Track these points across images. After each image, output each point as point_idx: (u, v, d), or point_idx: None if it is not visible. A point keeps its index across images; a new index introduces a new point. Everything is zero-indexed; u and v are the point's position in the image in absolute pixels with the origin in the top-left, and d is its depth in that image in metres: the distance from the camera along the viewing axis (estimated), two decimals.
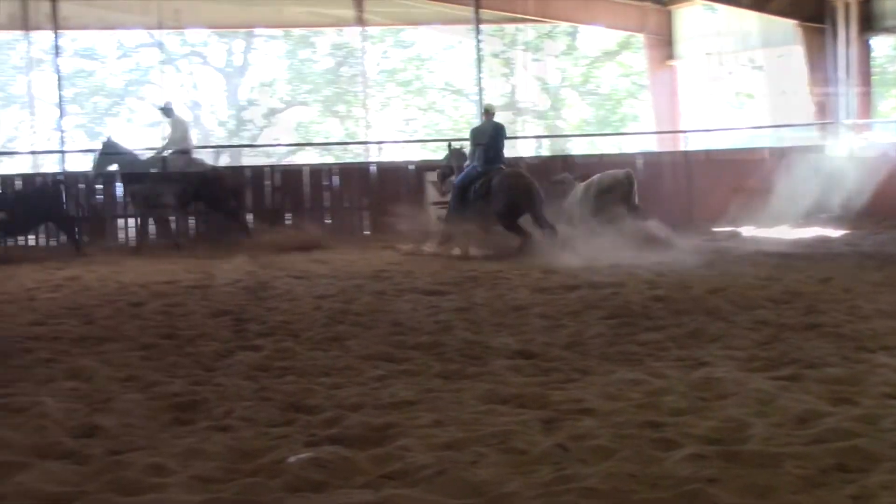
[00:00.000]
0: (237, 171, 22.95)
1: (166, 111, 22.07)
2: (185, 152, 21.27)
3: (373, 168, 23.44)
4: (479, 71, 25.83)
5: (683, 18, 26.84)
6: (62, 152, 24.38)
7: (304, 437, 6.70)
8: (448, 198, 18.73)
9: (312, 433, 6.80)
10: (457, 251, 17.79)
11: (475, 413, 7.26)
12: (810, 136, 24.94)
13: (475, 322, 11.12)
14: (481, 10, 25.82)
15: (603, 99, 47.04)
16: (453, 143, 20.19)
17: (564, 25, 31.56)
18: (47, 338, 10.50)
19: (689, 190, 21.07)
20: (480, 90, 25.38)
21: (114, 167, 21.14)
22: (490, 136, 18.09)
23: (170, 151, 21.21)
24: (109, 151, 21.07)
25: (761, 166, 21.00)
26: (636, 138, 29.52)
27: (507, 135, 18.48)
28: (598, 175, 19.34)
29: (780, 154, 21.99)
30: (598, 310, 11.69)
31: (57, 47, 25.80)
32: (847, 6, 23.22)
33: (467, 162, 18.53)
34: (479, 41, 25.92)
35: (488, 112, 18.78)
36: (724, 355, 9.05)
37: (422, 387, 8.14)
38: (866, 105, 24.49)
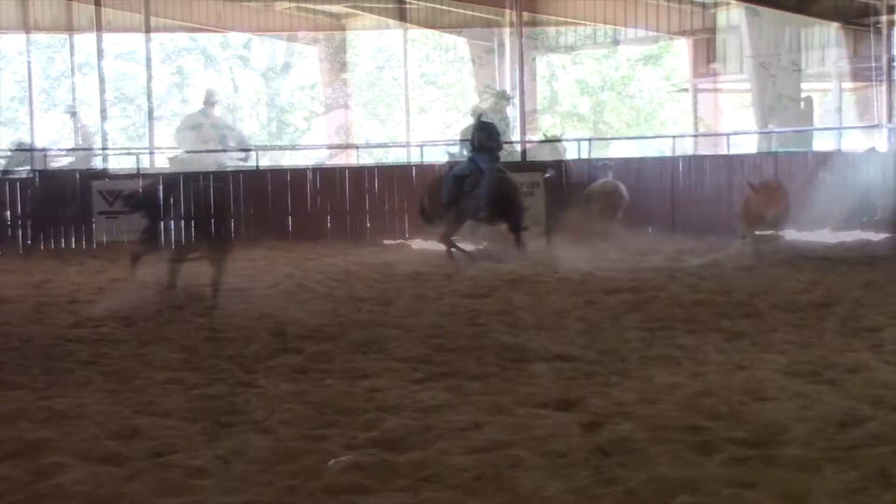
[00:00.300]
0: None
1: (72, 114, 22.29)
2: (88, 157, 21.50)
3: (413, 171, 23.48)
4: (522, 74, 25.77)
5: (726, 21, 26.71)
6: (103, 150, 24.51)
7: (344, 440, 6.71)
8: None
9: (352, 436, 6.82)
10: (446, 246, 17.75)
11: (514, 416, 7.26)
12: (854, 138, 24.75)
13: (514, 325, 11.13)
14: (515, 24, 25.83)
15: (645, 102, 47.03)
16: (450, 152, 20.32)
17: (606, 28, 31.38)
18: (88, 340, 10.56)
19: (729, 193, 20.92)
20: (522, 93, 25.34)
21: (25, 168, 21.45)
22: (476, 135, 18.01)
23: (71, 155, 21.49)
24: (22, 149, 21.35)
25: (803, 169, 20.83)
26: (677, 141, 29.32)
27: (497, 133, 18.10)
28: (601, 181, 19.57)
29: (822, 157, 21.82)
30: (639, 313, 11.72)
31: (100, 51, 25.92)
32: (891, 8, 23.03)
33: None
34: (521, 44, 25.87)
35: (475, 113, 18.91)
36: (764, 359, 9.05)
37: (461, 390, 8.14)
38: None
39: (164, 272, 13.49)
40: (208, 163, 14.42)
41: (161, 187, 14.05)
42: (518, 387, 8.23)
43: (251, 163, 21.93)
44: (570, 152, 23.62)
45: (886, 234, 17.36)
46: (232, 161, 15.47)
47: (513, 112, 18.59)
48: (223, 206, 13.53)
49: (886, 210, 17.99)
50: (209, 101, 14.56)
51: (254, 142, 47.10)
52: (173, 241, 13.44)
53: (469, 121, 21.86)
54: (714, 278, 14.58)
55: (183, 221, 13.44)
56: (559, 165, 19.16)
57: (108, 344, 10.30)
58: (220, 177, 14.07)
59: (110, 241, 20.26)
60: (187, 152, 14.47)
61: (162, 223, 13.70)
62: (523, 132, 23.59)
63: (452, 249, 17.46)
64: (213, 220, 13.32)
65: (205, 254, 13.39)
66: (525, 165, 18.54)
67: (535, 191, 17.97)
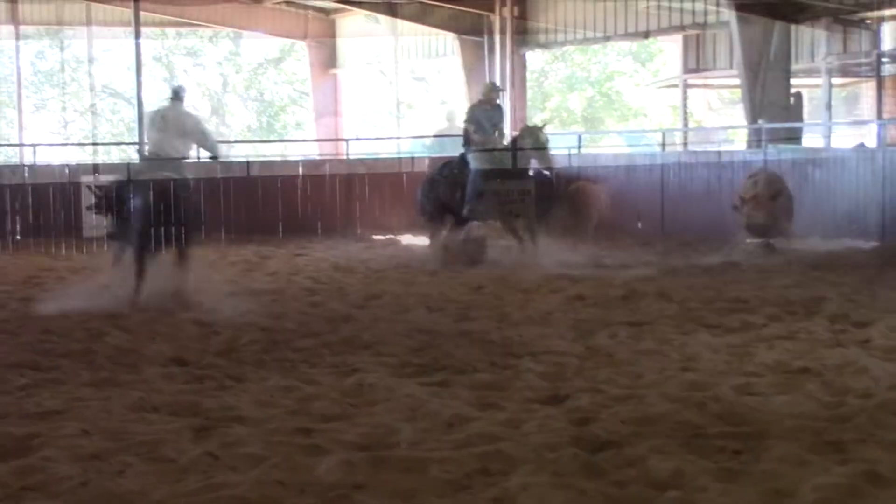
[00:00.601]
0: None
1: None
2: None
3: (402, 166, 23.50)
4: (506, 80, 25.79)
5: (716, 17, 26.64)
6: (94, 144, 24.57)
7: (333, 436, 6.70)
8: None
9: (341, 431, 6.81)
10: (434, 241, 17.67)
11: (503, 411, 7.28)
12: (843, 134, 24.75)
13: (503, 321, 11.14)
14: (505, 21, 25.87)
15: (634, 98, 47.17)
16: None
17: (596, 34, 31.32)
18: (77, 336, 10.51)
19: (719, 191, 20.81)
20: (507, 99, 25.32)
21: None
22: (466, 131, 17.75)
23: None
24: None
25: (792, 168, 20.70)
26: (667, 137, 29.28)
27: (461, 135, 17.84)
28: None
29: (811, 155, 21.70)
30: (628, 309, 11.80)
31: (90, 47, 25.93)
32: (880, 3, 22.95)
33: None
34: (507, 54, 25.92)
35: (450, 117, 18.82)
36: (754, 355, 9.12)
37: (449, 385, 8.16)
38: None
39: (133, 273, 13.35)
40: (177, 161, 14.08)
41: (121, 186, 13.81)
42: (507, 382, 8.24)
43: (237, 159, 21.91)
44: (558, 146, 23.61)
45: (875, 243, 17.17)
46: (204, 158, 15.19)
47: (501, 113, 18.11)
48: (188, 204, 13.26)
49: (876, 210, 17.78)
50: (177, 97, 14.22)
51: (242, 137, 47.26)
52: (135, 241, 13.26)
53: (444, 124, 21.81)
54: (704, 276, 14.60)
55: (143, 221, 13.19)
56: (547, 168, 18.63)
57: (96, 340, 10.27)
58: (186, 176, 13.76)
59: (99, 237, 20.21)
60: (149, 156, 14.11)
61: (124, 222, 13.49)
62: (514, 126, 23.56)
63: (441, 244, 17.40)
64: (175, 219, 13.08)
65: (169, 253, 13.22)
66: (515, 172, 18.10)
67: (527, 198, 17.46)
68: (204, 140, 14.25)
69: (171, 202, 13.04)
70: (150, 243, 13.07)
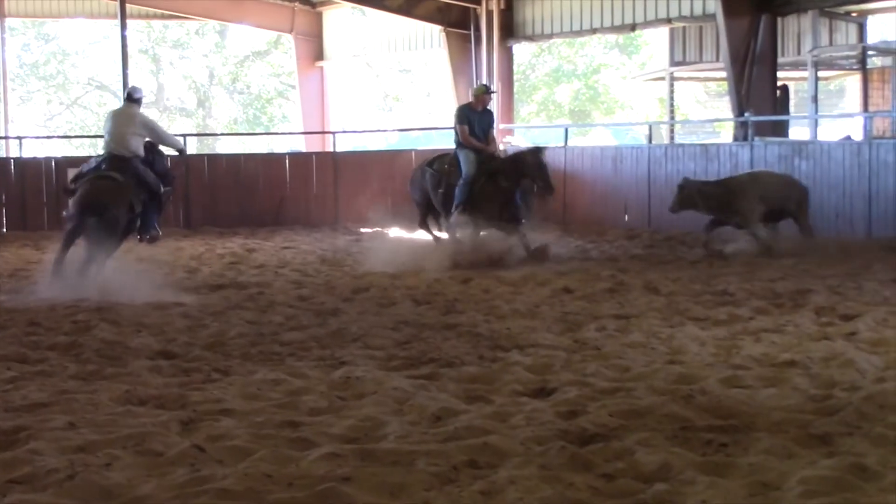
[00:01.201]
0: None
1: None
2: None
3: (390, 158, 23.54)
4: (493, 73, 25.77)
5: (702, 9, 26.71)
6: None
7: (321, 429, 6.69)
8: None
9: (329, 424, 6.81)
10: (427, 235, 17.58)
11: (490, 404, 7.29)
12: (829, 127, 24.73)
13: (491, 314, 11.13)
14: (491, 13, 25.86)
15: (619, 90, 47.21)
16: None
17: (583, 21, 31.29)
18: (64, 328, 10.49)
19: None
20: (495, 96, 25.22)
21: None
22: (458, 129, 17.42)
23: None
24: None
25: (778, 159, 20.77)
26: (654, 129, 29.31)
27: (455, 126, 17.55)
28: None
29: (798, 146, 21.74)
30: (615, 301, 11.85)
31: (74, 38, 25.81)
32: None
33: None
34: (493, 46, 25.88)
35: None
36: (740, 347, 9.15)
37: (437, 378, 8.15)
38: None
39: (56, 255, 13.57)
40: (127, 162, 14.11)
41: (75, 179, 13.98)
42: (494, 375, 8.24)
43: (224, 152, 21.80)
44: (551, 140, 23.57)
45: (862, 235, 17.15)
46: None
47: (492, 118, 17.74)
48: (114, 194, 13.38)
49: (862, 203, 17.78)
50: (130, 98, 14.17)
51: (228, 130, 47.22)
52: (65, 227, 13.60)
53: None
54: (691, 268, 14.61)
55: (69, 217, 13.51)
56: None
57: (83, 333, 10.24)
58: (139, 177, 13.81)
59: None
60: (101, 155, 14.09)
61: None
62: (506, 119, 23.50)
63: (434, 238, 17.31)
64: (94, 223, 13.24)
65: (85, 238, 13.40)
66: (506, 180, 17.75)
67: (517, 206, 17.14)
68: (158, 139, 14.31)
69: (91, 207, 13.23)
70: (69, 237, 13.35)
